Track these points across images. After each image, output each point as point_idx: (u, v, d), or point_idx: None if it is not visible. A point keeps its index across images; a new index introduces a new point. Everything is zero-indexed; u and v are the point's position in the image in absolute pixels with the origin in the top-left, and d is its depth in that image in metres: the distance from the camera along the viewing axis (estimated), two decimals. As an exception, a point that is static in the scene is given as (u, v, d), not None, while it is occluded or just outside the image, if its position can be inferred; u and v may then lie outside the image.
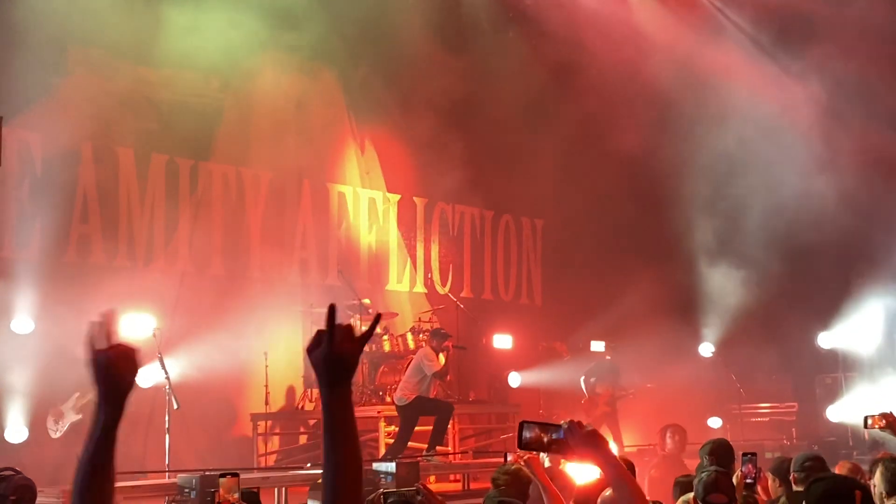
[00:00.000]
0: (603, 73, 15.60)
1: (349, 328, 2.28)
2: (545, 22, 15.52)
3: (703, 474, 4.86)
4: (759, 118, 15.68)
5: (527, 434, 2.99)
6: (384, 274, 15.65)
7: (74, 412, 10.26)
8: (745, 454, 5.28)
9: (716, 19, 16.31)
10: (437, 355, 12.08)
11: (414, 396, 11.83)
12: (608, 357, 14.72)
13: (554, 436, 2.97)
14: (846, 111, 15.32)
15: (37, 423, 10.73)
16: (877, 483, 5.11)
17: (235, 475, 4.09)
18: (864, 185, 15.20)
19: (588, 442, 2.97)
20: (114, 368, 2.30)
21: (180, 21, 12.16)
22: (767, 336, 16.39)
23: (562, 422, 3.01)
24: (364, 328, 2.33)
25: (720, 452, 6.22)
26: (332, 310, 2.28)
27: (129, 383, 2.32)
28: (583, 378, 14.45)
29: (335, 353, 2.24)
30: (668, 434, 10.44)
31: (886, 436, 6.10)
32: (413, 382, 11.90)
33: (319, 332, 2.28)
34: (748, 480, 5.09)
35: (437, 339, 12.35)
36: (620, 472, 3.04)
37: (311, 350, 2.27)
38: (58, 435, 10.21)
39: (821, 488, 2.96)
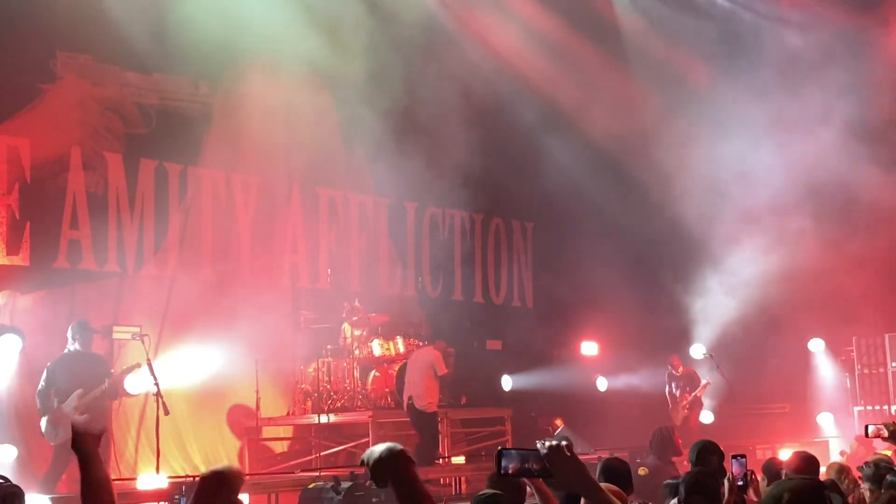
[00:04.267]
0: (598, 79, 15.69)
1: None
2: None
3: (686, 475, 4.91)
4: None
5: (506, 463, 2.66)
6: (375, 278, 15.61)
7: (78, 413, 9.71)
8: (734, 456, 5.27)
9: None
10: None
11: (437, 404, 12.20)
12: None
13: (535, 464, 2.66)
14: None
15: (28, 436, 10.45)
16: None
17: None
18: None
19: (571, 469, 2.68)
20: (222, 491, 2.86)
21: (168, 25, 12.12)
22: (759, 337, 16.42)
23: (538, 445, 2.69)
24: None
25: (706, 453, 6.26)
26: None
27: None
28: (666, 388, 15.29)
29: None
30: (655, 436, 10.44)
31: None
32: (435, 389, 12.12)
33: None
34: (739, 483, 5.09)
35: (444, 344, 12.69)
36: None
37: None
38: (58, 441, 9.67)
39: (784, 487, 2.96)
